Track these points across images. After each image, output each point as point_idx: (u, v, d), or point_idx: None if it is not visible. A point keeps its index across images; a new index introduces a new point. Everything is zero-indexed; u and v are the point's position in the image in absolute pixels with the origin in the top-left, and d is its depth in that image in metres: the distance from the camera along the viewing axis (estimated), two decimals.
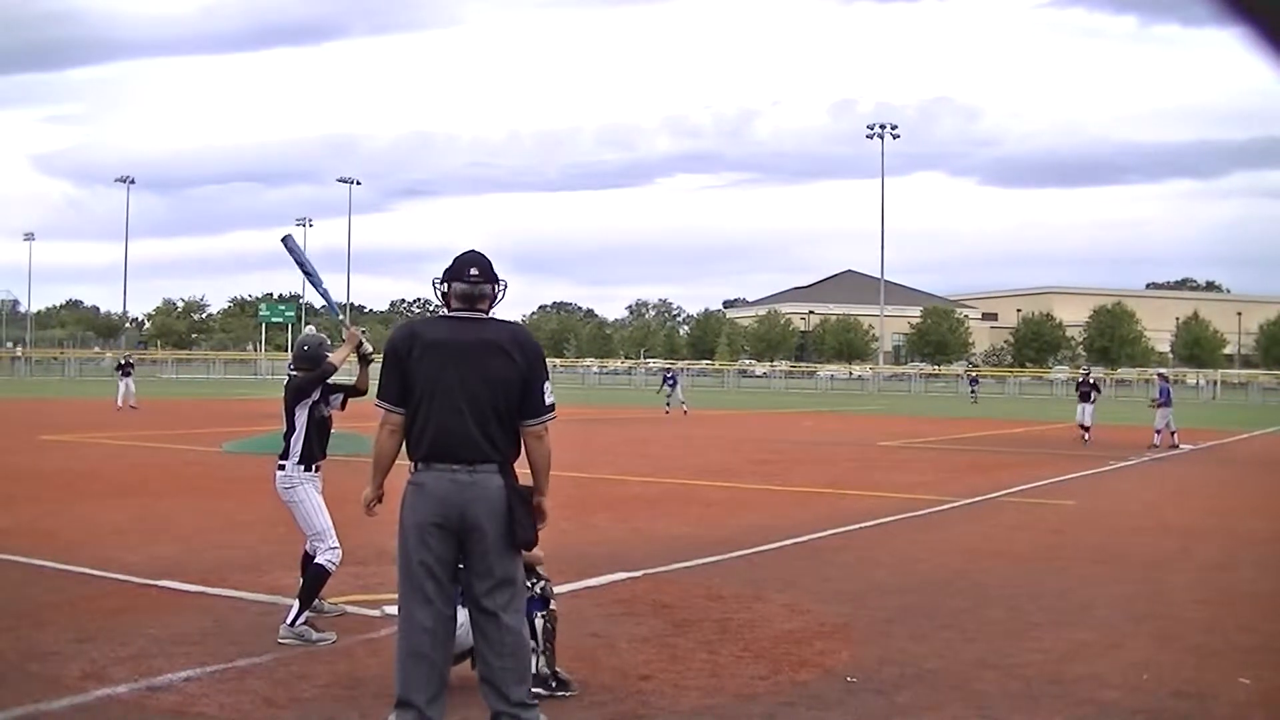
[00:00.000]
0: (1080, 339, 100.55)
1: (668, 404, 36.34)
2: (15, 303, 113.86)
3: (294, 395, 6.63)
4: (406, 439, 4.55)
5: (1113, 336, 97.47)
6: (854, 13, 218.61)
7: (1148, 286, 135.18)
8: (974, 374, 71.62)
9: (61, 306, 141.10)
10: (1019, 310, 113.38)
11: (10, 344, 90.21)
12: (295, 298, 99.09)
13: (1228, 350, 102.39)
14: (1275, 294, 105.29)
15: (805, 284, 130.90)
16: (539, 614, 5.30)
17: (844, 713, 5.17)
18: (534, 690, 4.70)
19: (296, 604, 6.30)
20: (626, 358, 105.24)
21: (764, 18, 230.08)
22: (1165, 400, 23.76)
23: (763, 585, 8.12)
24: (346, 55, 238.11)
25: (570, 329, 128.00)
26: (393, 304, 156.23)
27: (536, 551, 5.36)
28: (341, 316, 7.63)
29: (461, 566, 4.53)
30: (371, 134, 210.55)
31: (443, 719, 4.48)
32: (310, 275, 7.08)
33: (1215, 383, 74.51)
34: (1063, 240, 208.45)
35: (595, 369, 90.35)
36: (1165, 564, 9.54)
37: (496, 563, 4.45)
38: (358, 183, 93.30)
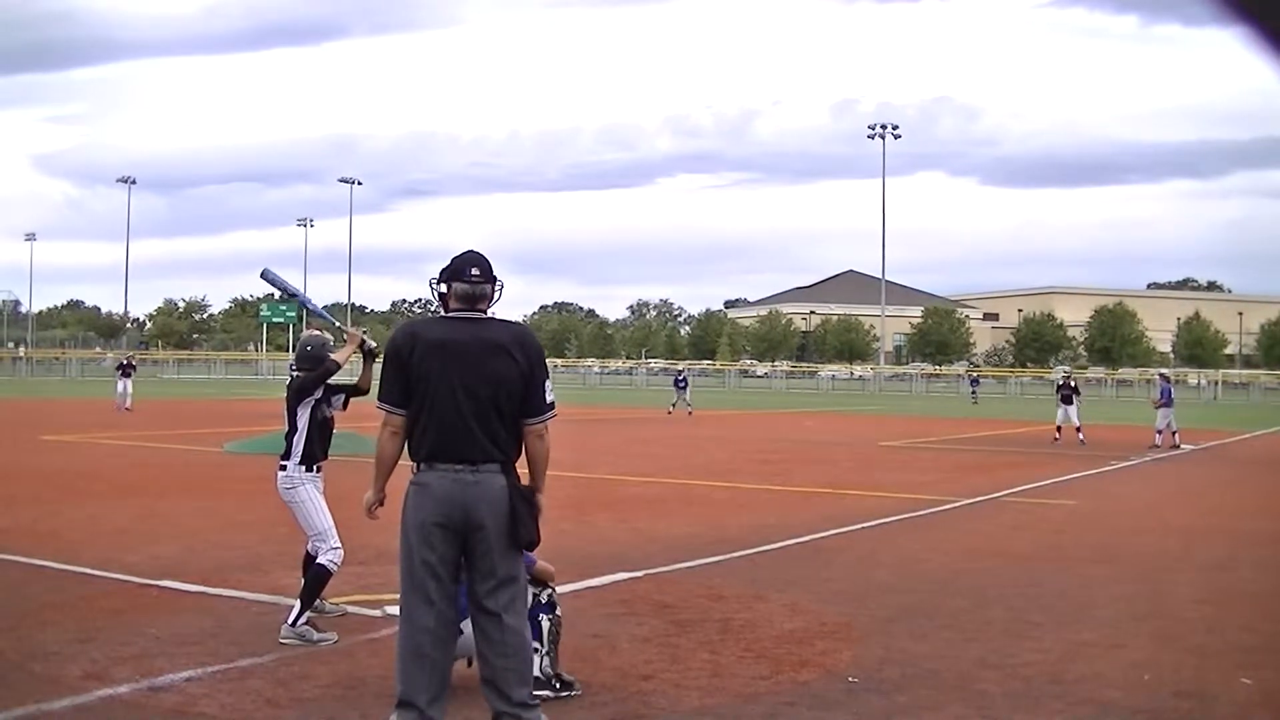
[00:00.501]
0: (1081, 339, 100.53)
1: (672, 405, 36.32)
2: (16, 303, 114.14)
3: (296, 395, 6.63)
4: (409, 439, 4.55)
5: (1114, 336, 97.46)
6: (855, 13, 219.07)
7: (1149, 286, 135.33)
8: (975, 374, 71.63)
9: (63, 307, 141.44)
10: (1020, 310, 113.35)
11: (12, 344, 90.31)
12: (296, 297, 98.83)
13: (1229, 350, 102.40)
14: (1276, 294, 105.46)
15: (806, 284, 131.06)
16: (545, 617, 5.31)
17: (845, 713, 5.17)
18: (537, 692, 4.71)
19: (298, 604, 6.30)
20: (628, 358, 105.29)
21: (765, 18, 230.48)
22: (1166, 400, 23.76)
23: (764, 585, 8.12)
24: (347, 55, 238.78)
25: (571, 329, 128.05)
26: (393, 304, 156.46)
27: (548, 566, 5.39)
28: (338, 322, 7.67)
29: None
30: (372, 134, 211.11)
31: (444, 719, 4.49)
32: (296, 295, 7.13)
33: (1216, 383, 74.54)
34: (1064, 240, 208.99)
35: (596, 369, 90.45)
36: (1166, 564, 9.53)
37: (499, 562, 4.45)
38: (358, 183, 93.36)
